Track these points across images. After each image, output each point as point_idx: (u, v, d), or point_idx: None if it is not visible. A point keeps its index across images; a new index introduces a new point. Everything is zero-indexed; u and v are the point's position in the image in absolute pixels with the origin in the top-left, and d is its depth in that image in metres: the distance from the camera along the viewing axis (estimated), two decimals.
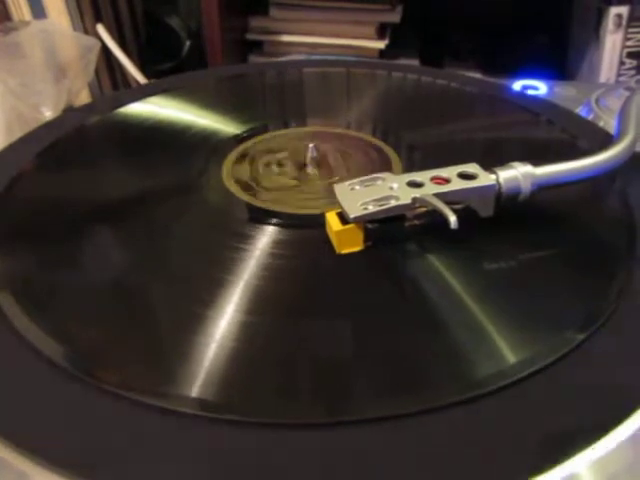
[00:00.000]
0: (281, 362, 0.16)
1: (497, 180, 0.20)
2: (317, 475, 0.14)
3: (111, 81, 0.59)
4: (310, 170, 0.25)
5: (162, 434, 0.14)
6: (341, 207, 0.20)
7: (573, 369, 0.16)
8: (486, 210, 0.20)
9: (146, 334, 0.17)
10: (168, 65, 0.62)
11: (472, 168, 0.20)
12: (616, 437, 0.14)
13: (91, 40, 0.49)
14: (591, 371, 0.16)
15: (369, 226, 0.19)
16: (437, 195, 0.19)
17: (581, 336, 0.17)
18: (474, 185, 0.20)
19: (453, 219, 0.18)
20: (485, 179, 0.20)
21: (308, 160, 0.25)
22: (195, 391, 0.15)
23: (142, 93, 0.33)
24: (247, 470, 0.14)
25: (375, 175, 0.21)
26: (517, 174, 0.20)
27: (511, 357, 0.16)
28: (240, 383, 0.16)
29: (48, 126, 0.30)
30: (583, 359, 0.16)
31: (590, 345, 0.16)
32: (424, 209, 0.20)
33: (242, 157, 0.26)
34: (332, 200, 0.20)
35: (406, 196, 0.19)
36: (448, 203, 0.19)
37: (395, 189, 0.20)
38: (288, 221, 0.22)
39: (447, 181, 0.20)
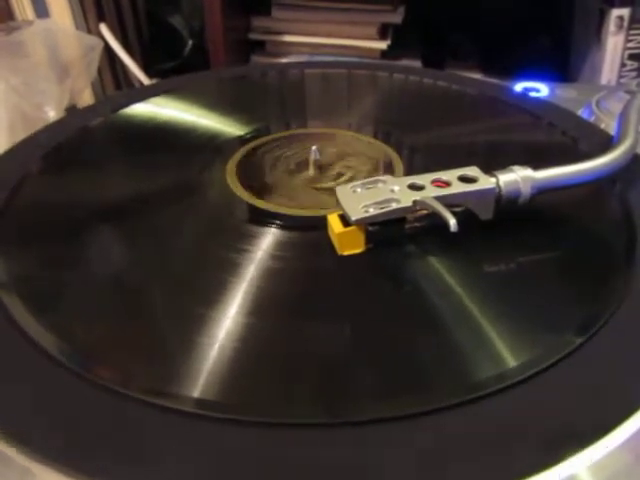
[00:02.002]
0: (282, 363, 0.16)
1: (497, 183, 0.20)
2: (316, 475, 0.14)
3: (114, 80, 0.59)
4: (313, 172, 0.25)
5: (163, 433, 0.14)
6: (343, 209, 0.20)
7: (573, 371, 0.16)
8: (486, 213, 0.20)
9: (149, 333, 0.18)
10: (171, 65, 0.62)
11: (472, 171, 0.21)
12: (615, 438, 0.14)
13: (94, 39, 0.49)
14: (590, 373, 0.16)
15: (370, 228, 0.20)
16: (437, 198, 0.19)
17: (580, 338, 0.17)
18: (474, 188, 0.20)
19: (453, 222, 0.18)
20: (485, 182, 0.20)
21: (311, 162, 0.26)
22: (197, 390, 0.15)
23: (145, 94, 0.33)
24: (247, 470, 0.14)
25: (376, 178, 0.21)
26: (517, 178, 0.20)
27: (511, 359, 0.16)
28: (241, 383, 0.16)
29: (52, 127, 0.30)
30: (582, 361, 0.16)
31: (589, 347, 0.17)
32: (425, 212, 0.20)
33: (246, 158, 0.26)
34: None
35: (407, 199, 0.20)
36: (448, 206, 0.19)
37: (396, 192, 0.20)
38: (290, 223, 0.22)
39: (447, 184, 0.20)
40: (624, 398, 0.15)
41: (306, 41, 0.61)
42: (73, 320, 0.18)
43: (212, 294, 0.18)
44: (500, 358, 0.16)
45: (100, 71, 0.54)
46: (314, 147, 0.25)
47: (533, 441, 0.14)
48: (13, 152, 0.27)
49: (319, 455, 0.14)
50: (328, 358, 0.17)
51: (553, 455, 0.14)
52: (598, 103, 0.36)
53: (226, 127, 0.30)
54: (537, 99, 0.35)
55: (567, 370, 0.16)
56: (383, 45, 0.60)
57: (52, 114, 0.44)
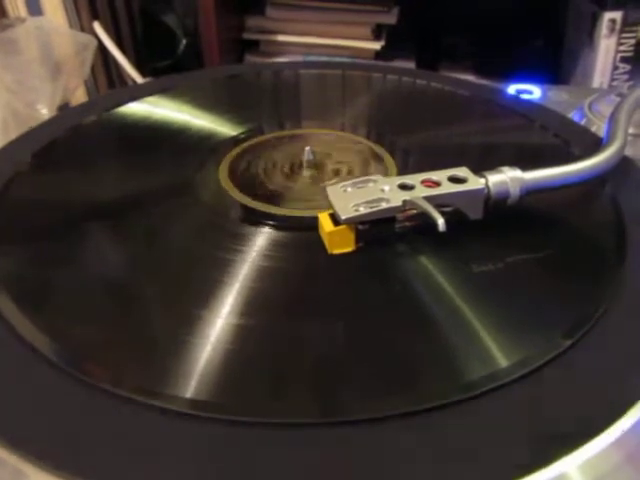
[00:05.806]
0: (274, 362, 0.17)
1: (486, 184, 0.20)
2: (314, 475, 0.14)
3: (107, 79, 0.59)
4: (306, 172, 0.25)
5: (158, 434, 0.14)
6: (333, 208, 0.20)
7: (563, 371, 0.16)
8: (475, 213, 0.20)
9: (142, 334, 0.18)
10: (164, 63, 0.62)
11: (462, 172, 0.21)
12: (605, 438, 0.14)
13: (87, 37, 0.49)
14: (580, 374, 0.16)
15: (360, 227, 0.20)
16: (427, 198, 0.19)
17: (571, 339, 0.17)
18: (463, 189, 0.20)
19: (441, 222, 0.18)
20: (474, 183, 0.20)
21: (304, 162, 0.26)
22: (190, 391, 0.15)
23: (138, 93, 0.33)
24: (242, 470, 0.14)
25: (367, 177, 0.21)
26: (506, 178, 0.20)
27: (502, 359, 0.16)
28: (234, 383, 0.16)
29: (45, 126, 0.30)
30: (573, 361, 0.16)
31: (580, 348, 0.17)
32: (415, 211, 0.20)
33: (239, 158, 0.26)
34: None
35: (397, 198, 0.20)
36: (438, 206, 0.19)
37: (386, 191, 0.20)
38: (282, 223, 0.22)
39: (437, 184, 0.20)
40: (614, 397, 0.15)
41: (300, 41, 0.61)
42: (65, 320, 0.18)
43: (205, 294, 0.18)
44: (491, 358, 0.16)
45: (93, 69, 0.54)
46: (307, 147, 0.26)
47: (524, 440, 0.14)
48: (5, 150, 0.27)
49: (312, 455, 0.14)
50: (319, 357, 0.17)
51: (544, 454, 0.14)
52: (590, 106, 0.37)
53: (220, 127, 0.30)
54: (529, 101, 0.35)
55: (557, 370, 0.16)
56: (377, 46, 0.60)
57: (45, 112, 0.44)
